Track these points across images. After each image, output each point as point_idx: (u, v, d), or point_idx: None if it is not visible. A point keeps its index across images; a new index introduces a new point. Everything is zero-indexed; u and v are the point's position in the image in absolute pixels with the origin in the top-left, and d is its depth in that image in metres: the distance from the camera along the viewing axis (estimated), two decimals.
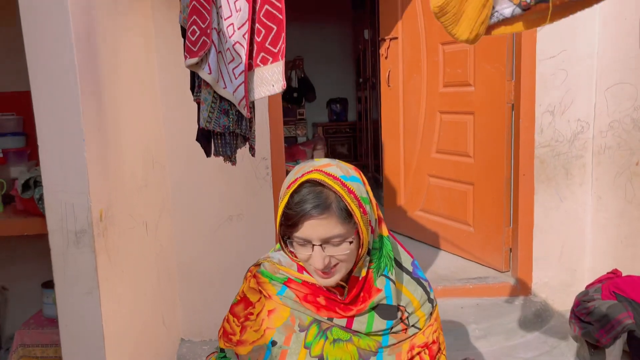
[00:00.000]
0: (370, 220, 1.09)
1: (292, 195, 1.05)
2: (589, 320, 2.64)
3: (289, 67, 7.16)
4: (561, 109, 2.91)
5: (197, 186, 2.90)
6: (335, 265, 1.08)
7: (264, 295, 1.18)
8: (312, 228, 1.04)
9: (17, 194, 2.17)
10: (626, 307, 2.53)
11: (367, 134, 6.32)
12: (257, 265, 1.25)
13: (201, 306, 3.01)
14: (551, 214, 3.06)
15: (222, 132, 1.91)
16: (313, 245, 1.06)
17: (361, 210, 1.06)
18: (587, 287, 2.81)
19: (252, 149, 2.01)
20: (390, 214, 4.17)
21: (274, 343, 1.13)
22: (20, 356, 2.35)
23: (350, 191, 1.05)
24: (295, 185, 1.05)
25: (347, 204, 1.04)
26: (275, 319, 1.16)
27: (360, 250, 1.10)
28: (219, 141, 1.94)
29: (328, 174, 1.05)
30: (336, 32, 7.52)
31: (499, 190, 3.23)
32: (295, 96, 7.34)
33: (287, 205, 1.05)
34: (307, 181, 1.05)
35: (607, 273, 2.80)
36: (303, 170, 1.07)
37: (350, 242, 1.07)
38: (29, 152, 2.67)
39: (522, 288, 3.16)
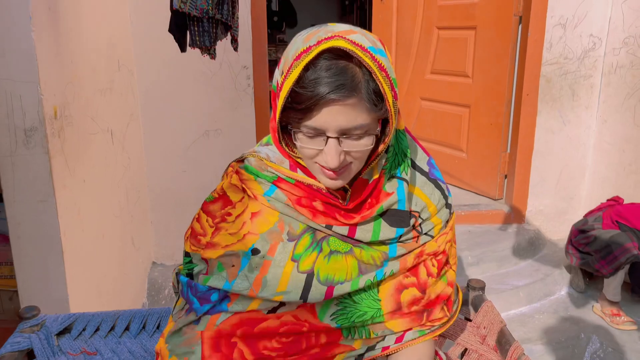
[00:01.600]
0: (399, 109, 0.84)
1: (306, 69, 0.78)
2: (588, 250, 2.51)
3: None
4: (574, 22, 2.66)
5: (169, 96, 2.60)
6: (347, 164, 0.84)
7: (248, 195, 0.92)
8: (332, 115, 0.77)
9: None
10: (631, 237, 2.40)
11: None
12: (241, 160, 0.98)
13: (174, 228, 2.78)
14: (552, 138, 2.87)
15: (200, 16, 1.60)
16: (328, 137, 0.80)
17: (393, 93, 0.80)
18: (586, 215, 2.67)
19: (234, 41, 1.72)
20: None
21: (255, 251, 0.89)
22: None
23: (381, 68, 0.78)
24: (312, 55, 0.77)
25: (379, 85, 0.78)
26: (260, 224, 0.91)
27: (381, 145, 0.86)
28: (196, 28, 1.64)
29: (355, 43, 0.77)
30: None
31: (498, 112, 3.01)
32: (275, 20, 6.89)
33: (300, 83, 0.78)
34: (327, 51, 0.79)
35: (608, 200, 2.65)
36: (318, 36, 0.79)
37: (374, 136, 0.83)
38: None
39: (515, 216, 3.02)
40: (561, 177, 2.96)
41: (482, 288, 1.54)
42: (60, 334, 1.31)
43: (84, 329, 1.33)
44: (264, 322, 0.90)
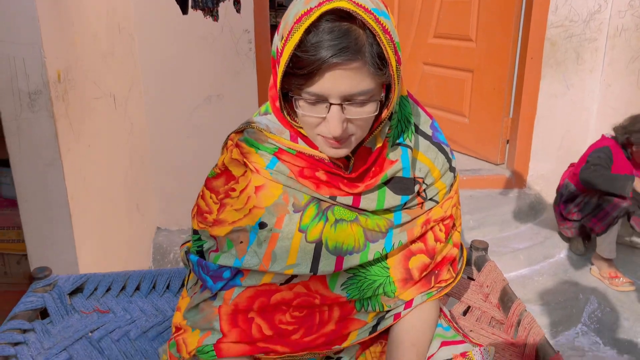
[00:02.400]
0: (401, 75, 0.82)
1: (307, 32, 0.75)
2: (581, 216, 2.56)
3: None
4: None
5: (171, 61, 2.57)
6: (350, 133, 0.83)
7: (250, 169, 0.92)
8: (334, 80, 0.75)
9: None
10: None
11: None
12: (240, 132, 0.97)
13: (177, 194, 2.80)
14: (555, 102, 2.86)
15: None
16: (330, 104, 0.79)
17: (396, 57, 0.78)
18: (557, 190, 2.72)
19: (237, 2, 1.69)
20: None
21: (262, 225, 0.89)
22: None
23: (385, 31, 0.76)
24: (313, 17, 0.74)
25: (383, 48, 0.76)
26: (264, 197, 0.90)
27: (384, 111, 0.84)
28: None
29: (358, 4, 0.75)
30: None
31: (501, 76, 2.99)
32: None
33: (301, 46, 0.75)
34: (329, 12, 0.75)
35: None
36: None
37: (377, 102, 0.81)
38: None
39: (517, 180, 3.03)
40: (563, 142, 2.96)
41: (485, 249, 1.56)
42: (72, 293, 1.34)
43: (95, 289, 1.35)
44: (278, 293, 0.91)
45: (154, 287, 1.39)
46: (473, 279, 1.43)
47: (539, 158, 2.99)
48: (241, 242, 0.90)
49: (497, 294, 1.34)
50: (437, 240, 0.97)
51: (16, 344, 1.15)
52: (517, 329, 1.22)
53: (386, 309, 0.95)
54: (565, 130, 2.93)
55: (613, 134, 2.54)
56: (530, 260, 2.59)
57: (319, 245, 0.89)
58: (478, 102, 3.21)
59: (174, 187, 2.77)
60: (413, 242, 0.97)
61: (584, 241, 2.69)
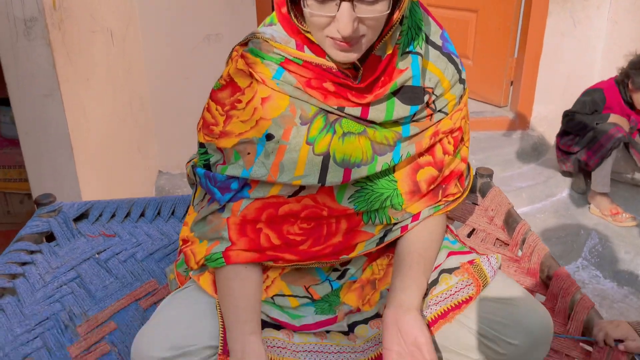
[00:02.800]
0: None
1: None
2: (576, 150, 2.56)
3: None
4: None
5: None
6: (360, 35, 0.80)
7: (256, 80, 0.89)
8: None
9: None
10: (615, 125, 2.43)
11: None
12: (244, 44, 0.94)
13: (178, 137, 2.77)
14: (561, 41, 2.80)
15: None
16: (340, 1, 0.76)
17: None
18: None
19: None
20: None
21: (269, 137, 0.87)
22: None
23: None
24: None
25: None
26: (271, 109, 0.88)
27: (396, 13, 0.81)
28: None
29: None
30: None
31: (507, 15, 2.91)
32: None
33: None
34: None
35: None
36: None
37: (389, 0, 0.78)
38: None
39: (520, 122, 3.01)
40: (569, 82, 2.92)
41: (490, 175, 1.56)
42: (77, 220, 1.34)
43: (100, 215, 1.36)
44: (286, 205, 0.91)
45: (159, 213, 1.39)
46: (478, 205, 1.44)
47: (543, 99, 2.95)
48: (248, 153, 0.89)
49: (502, 216, 1.34)
50: (445, 152, 0.96)
51: (24, 263, 1.16)
52: (521, 247, 1.23)
53: (393, 221, 0.95)
54: (571, 69, 2.88)
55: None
56: (532, 199, 2.60)
57: (326, 158, 0.88)
58: (482, 43, 3.15)
59: (174, 130, 2.75)
60: (421, 155, 0.95)
61: (585, 180, 2.69)
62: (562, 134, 2.67)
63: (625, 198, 2.56)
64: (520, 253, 1.23)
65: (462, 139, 1.01)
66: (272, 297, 0.95)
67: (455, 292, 0.90)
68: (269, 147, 0.88)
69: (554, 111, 2.98)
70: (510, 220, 1.31)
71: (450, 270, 0.93)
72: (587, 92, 2.61)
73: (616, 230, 2.38)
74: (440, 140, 0.96)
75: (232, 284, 0.89)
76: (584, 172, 2.66)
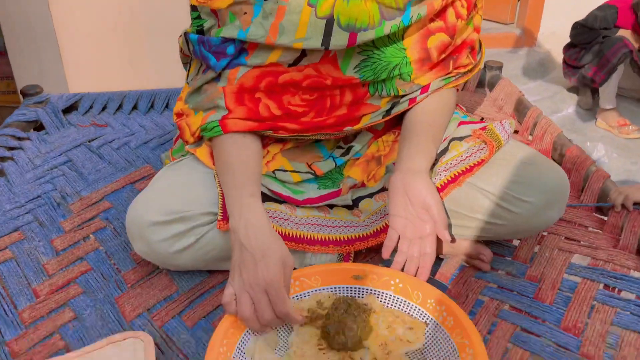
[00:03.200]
0: None
1: None
2: (583, 64, 2.48)
3: None
4: None
5: None
6: None
7: None
8: None
9: None
10: (622, 38, 2.34)
11: None
12: None
13: (171, 55, 2.66)
14: None
15: None
16: None
17: None
18: None
19: None
20: None
21: None
22: None
23: None
24: None
25: None
26: None
27: None
28: None
29: None
30: None
31: None
32: None
33: None
34: None
35: None
36: None
37: None
38: None
39: (527, 39, 2.90)
40: None
41: (500, 68, 1.49)
42: (66, 111, 1.28)
43: (91, 107, 1.30)
44: (286, 74, 0.84)
45: (152, 106, 1.33)
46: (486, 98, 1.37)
47: (551, 15, 2.83)
48: (245, 13, 0.81)
49: (512, 105, 1.29)
50: (458, 16, 0.89)
51: (11, 148, 1.11)
52: (532, 132, 1.18)
53: (401, 93, 0.89)
54: None
55: None
56: None
57: (330, 21, 0.81)
58: None
59: (166, 48, 2.63)
60: (432, 20, 0.88)
61: (592, 95, 2.62)
62: (568, 47, 2.59)
63: (632, 111, 2.50)
64: (530, 138, 1.18)
65: (475, 5, 0.93)
66: (273, 172, 0.90)
67: (467, 157, 0.85)
68: (267, 7, 0.80)
69: (561, 27, 2.86)
70: (521, 107, 1.25)
71: (461, 139, 0.88)
72: (602, 7, 2.51)
73: (622, 142, 2.33)
74: (452, 2, 0.89)
75: (230, 150, 0.84)
76: (591, 89, 2.59)
